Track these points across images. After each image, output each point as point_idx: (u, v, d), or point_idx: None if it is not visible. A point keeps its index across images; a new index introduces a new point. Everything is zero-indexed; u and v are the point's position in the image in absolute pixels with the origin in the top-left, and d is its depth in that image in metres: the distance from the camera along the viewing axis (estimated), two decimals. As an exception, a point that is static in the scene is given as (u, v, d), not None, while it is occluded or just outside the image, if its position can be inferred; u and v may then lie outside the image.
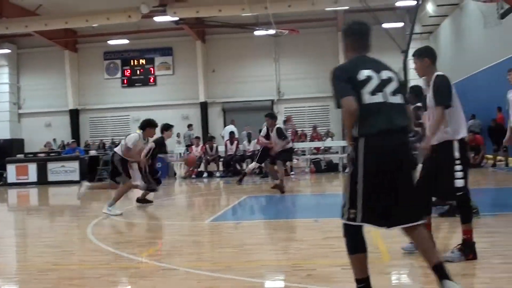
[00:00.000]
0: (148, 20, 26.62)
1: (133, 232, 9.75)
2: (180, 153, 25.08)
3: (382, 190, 4.45)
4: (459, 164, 6.00)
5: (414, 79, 29.94)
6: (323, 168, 21.07)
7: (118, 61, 33.07)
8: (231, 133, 21.92)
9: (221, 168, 21.66)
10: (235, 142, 21.63)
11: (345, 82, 4.51)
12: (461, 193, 6.06)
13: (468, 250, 6.10)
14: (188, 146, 24.08)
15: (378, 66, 4.68)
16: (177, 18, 26.77)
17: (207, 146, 22.04)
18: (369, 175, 4.44)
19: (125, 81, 32.99)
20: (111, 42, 31.44)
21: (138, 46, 32.28)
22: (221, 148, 22.25)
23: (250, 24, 28.17)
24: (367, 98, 4.45)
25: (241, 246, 7.60)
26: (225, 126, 28.23)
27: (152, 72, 32.79)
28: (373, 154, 4.43)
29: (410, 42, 27.36)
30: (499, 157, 19.43)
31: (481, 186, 14.27)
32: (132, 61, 32.98)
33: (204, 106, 31.68)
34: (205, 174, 21.19)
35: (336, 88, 4.56)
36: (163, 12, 25.45)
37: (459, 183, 6.01)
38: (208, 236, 8.95)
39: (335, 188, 16.73)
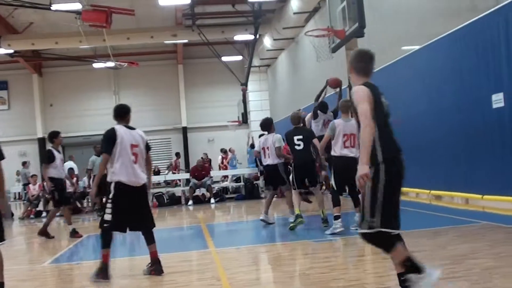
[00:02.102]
0: (-19, 52, 25.51)
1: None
2: (18, 192, 24.08)
3: None
4: (110, 203, 7.38)
5: (254, 111, 30.77)
6: (166, 201, 20.93)
7: (-52, 95, 31.37)
8: (70, 170, 21.20)
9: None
10: (75, 178, 20.97)
11: None
12: (105, 225, 7.39)
13: (99, 271, 7.24)
14: (26, 185, 23.09)
15: None
16: (11, 51, 25.84)
17: (45, 184, 21.19)
18: None
19: (-50, 117, 31.30)
20: None
21: (-30, 79, 30.82)
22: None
23: (88, 57, 27.75)
24: None
25: (83, 288, 7.41)
26: (64, 162, 27.46)
27: (-13, 107, 31.39)
28: None
29: (249, 75, 28.14)
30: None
31: (314, 213, 14.74)
32: (-36, 95, 31.41)
33: (42, 142, 30.60)
34: (44, 214, 20.32)
35: None
36: (-2, 44, 24.52)
37: (106, 217, 7.38)
38: (46, 279, 8.58)
39: (179, 221, 16.69)
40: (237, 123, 29.17)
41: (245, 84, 27.74)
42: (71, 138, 30.37)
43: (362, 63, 5.38)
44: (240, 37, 26.94)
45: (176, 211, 19.11)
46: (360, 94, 5.04)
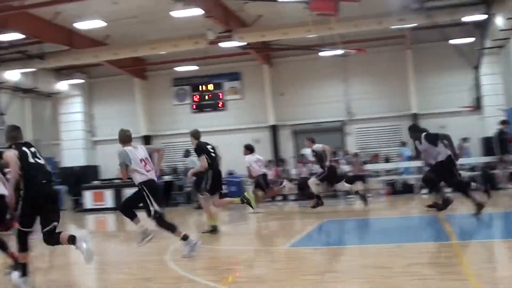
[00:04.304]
0: (215, 45, 26.81)
1: (211, 258, 9.69)
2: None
3: None
4: None
5: (488, 95, 29.27)
6: (398, 189, 20.59)
7: (187, 87, 33.18)
8: (303, 156, 21.68)
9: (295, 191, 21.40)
10: (309, 164, 21.32)
11: None
12: None
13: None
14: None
15: None
16: (243, 43, 26.87)
17: (280, 169, 21.92)
18: None
19: (194, 107, 33.21)
20: (179, 68, 31.73)
21: (206, 72, 32.41)
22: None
23: (316, 45, 28.09)
24: None
25: (323, 274, 7.47)
26: (296, 148, 28.61)
27: (221, 97, 32.80)
28: None
29: (482, 57, 26.84)
30: None
31: None
32: (200, 86, 33.09)
33: (273, 129, 31.60)
34: (279, 198, 21.04)
35: None
36: (229, 38, 25.59)
37: None
38: (287, 262, 8.80)
39: (413, 210, 16.30)
40: (470, 109, 27.96)
41: (477, 67, 26.52)
42: (302, 126, 30.98)
43: (13, 132, 7.90)
44: (469, 17, 25.72)
45: (409, 199, 18.75)
46: (9, 160, 7.50)
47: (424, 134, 12.47)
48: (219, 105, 32.88)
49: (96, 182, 24.67)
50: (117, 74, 32.63)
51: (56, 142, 33.61)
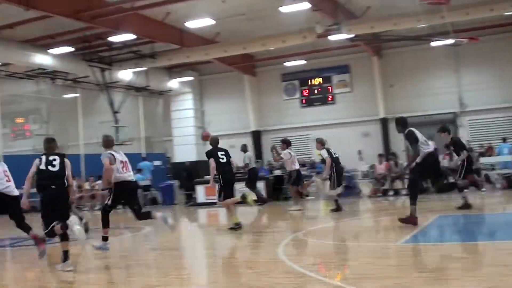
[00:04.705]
0: (323, 39, 26.68)
1: (322, 253, 9.65)
2: (361, 171, 24.89)
3: None
4: None
5: None
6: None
7: (296, 82, 33.32)
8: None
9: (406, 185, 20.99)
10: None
11: None
12: None
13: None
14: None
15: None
16: (352, 35, 26.57)
17: (391, 163, 21.60)
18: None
19: (303, 101, 33.26)
20: (288, 63, 31.88)
21: (314, 65, 32.37)
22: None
23: (426, 35, 27.42)
24: None
25: (440, 271, 7.27)
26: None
27: (330, 90, 32.66)
28: None
29: None
30: None
31: None
32: (309, 81, 33.11)
33: (384, 122, 31.11)
34: (391, 192, 20.69)
35: None
36: (338, 30, 25.34)
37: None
38: (401, 259, 8.63)
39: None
40: None
41: None
42: (412, 118, 30.21)
43: (46, 144, 9.27)
44: None
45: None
46: None
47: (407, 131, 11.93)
48: (329, 99, 32.81)
49: (207, 177, 25.09)
50: (227, 71, 33.24)
51: (168, 138, 34.66)
